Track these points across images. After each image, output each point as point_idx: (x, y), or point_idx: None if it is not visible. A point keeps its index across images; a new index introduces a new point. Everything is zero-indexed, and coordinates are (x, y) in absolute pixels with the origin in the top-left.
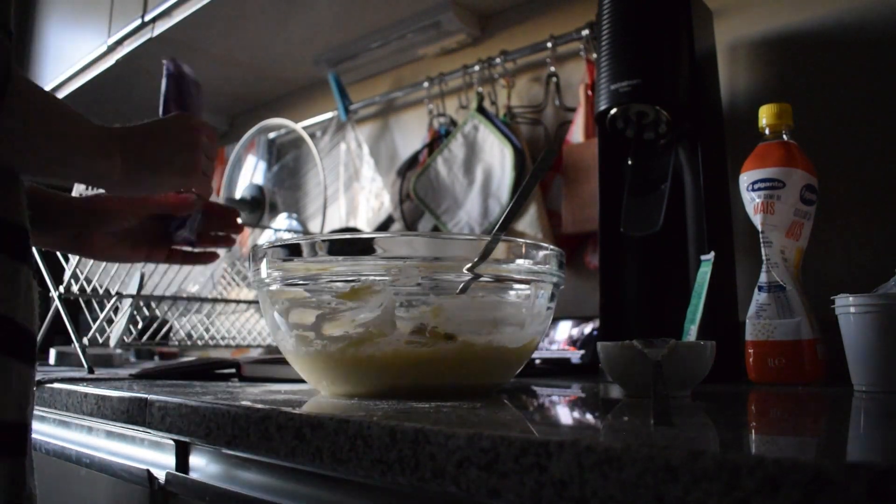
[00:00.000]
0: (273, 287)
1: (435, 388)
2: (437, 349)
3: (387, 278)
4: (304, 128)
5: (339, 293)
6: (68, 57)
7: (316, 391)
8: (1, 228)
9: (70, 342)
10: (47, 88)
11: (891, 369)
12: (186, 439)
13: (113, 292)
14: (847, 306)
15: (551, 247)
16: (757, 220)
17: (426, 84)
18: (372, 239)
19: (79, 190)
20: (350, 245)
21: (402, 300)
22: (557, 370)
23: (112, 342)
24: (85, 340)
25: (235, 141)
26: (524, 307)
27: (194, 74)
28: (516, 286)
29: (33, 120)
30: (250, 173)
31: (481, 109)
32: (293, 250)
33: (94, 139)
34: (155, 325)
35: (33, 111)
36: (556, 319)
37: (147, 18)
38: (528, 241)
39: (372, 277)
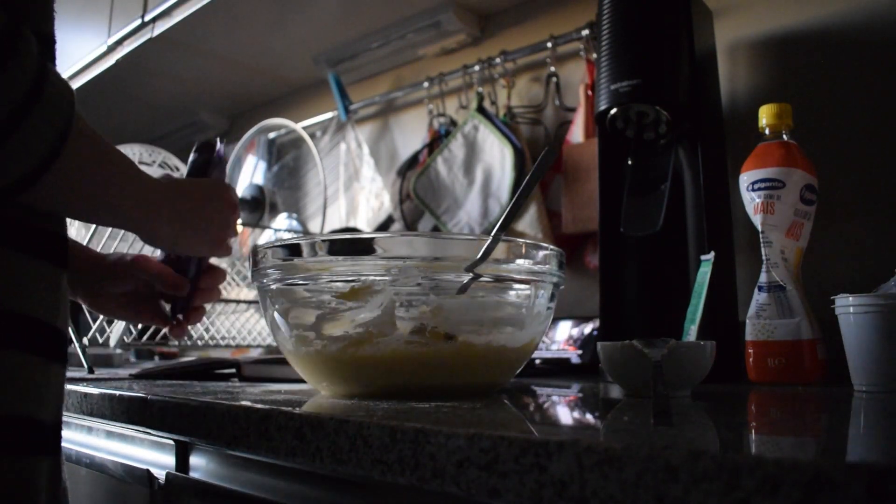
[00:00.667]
0: (273, 287)
1: (435, 388)
2: (437, 349)
3: (387, 278)
4: (304, 128)
5: (339, 293)
6: (68, 57)
7: (316, 391)
8: (45, 237)
9: (70, 342)
10: None
11: (891, 369)
12: (186, 439)
13: None
14: (847, 306)
15: (551, 247)
16: (757, 220)
17: (426, 84)
18: (372, 239)
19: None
20: (350, 245)
21: (402, 300)
22: (557, 370)
23: (112, 342)
24: (85, 340)
25: (235, 141)
26: (524, 307)
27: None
28: (516, 286)
29: (93, 163)
30: (250, 173)
31: (481, 109)
32: (293, 250)
33: (144, 187)
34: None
35: (92, 153)
36: (556, 319)
37: (147, 18)
38: (528, 241)
39: (372, 277)
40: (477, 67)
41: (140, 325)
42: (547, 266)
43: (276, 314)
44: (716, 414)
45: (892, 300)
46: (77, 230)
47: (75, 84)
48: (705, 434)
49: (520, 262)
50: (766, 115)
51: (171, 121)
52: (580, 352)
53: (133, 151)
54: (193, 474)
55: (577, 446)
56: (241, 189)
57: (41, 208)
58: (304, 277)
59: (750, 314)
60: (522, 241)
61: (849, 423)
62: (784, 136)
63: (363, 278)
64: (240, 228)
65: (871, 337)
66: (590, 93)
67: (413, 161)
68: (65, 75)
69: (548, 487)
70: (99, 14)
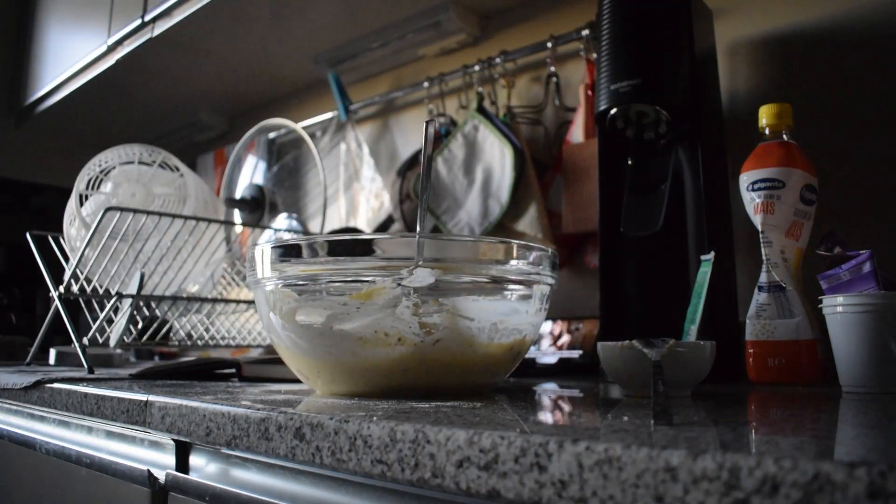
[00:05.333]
0: (269, 287)
1: (435, 388)
2: (438, 349)
3: (392, 279)
4: (304, 128)
5: (355, 294)
6: (68, 57)
7: (315, 391)
8: None
9: (70, 342)
10: (47, 88)
11: (880, 370)
12: (186, 439)
13: (113, 292)
14: (835, 305)
15: (543, 247)
16: (757, 220)
17: (426, 84)
18: (372, 240)
19: None
20: (351, 246)
21: (405, 301)
22: (557, 370)
23: (112, 342)
24: (85, 340)
25: (235, 141)
26: (519, 307)
27: None
28: (511, 286)
29: None
30: (250, 173)
31: (481, 109)
32: (291, 251)
33: None
34: (155, 325)
35: None
36: (554, 319)
37: (147, 18)
38: (519, 242)
39: (380, 278)
40: (477, 67)
41: (140, 325)
42: (539, 267)
43: (272, 315)
44: (716, 414)
45: (881, 300)
46: (77, 230)
47: (75, 84)
48: (705, 434)
49: (513, 262)
50: (766, 115)
51: (171, 121)
52: (580, 352)
53: (133, 151)
54: (193, 474)
55: (577, 446)
56: (241, 189)
57: None
58: (304, 278)
59: (750, 314)
60: (515, 241)
61: (849, 423)
62: (784, 136)
63: (369, 279)
64: (239, 229)
65: (860, 337)
66: (590, 93)
67: (413, 161)
68: (65, 75)
69: (548, 487)
70: (99, 14)
